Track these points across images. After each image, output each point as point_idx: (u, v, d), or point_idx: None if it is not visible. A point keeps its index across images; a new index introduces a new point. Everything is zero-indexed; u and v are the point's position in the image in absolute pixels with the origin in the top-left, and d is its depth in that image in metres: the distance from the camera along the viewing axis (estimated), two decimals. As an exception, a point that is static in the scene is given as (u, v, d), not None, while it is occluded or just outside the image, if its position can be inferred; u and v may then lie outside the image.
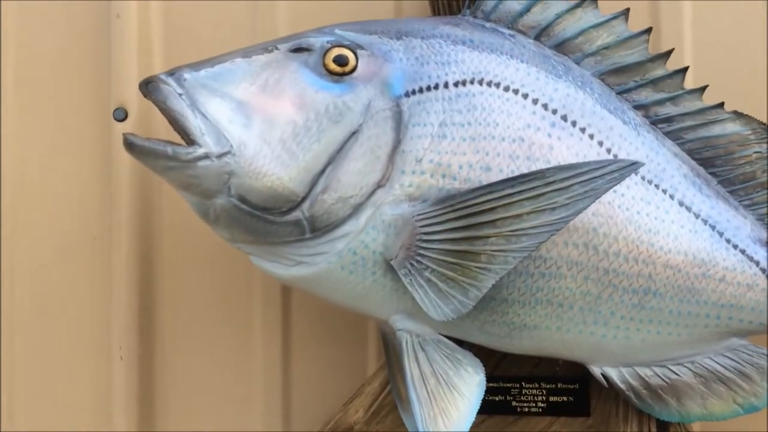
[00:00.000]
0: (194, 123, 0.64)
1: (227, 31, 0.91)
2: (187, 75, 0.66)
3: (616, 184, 0.63)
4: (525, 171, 0.68)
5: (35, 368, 0.90)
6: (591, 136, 0.71)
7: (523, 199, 0.63)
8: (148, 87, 0.66)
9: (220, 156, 0.64)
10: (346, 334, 0.89)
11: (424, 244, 0.66)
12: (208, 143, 0.64)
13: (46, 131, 0.91)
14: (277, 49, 0.69)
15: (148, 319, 0.90)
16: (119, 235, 0.89)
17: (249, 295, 0.90)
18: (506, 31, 0.73)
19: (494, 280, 0.65)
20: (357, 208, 0.67)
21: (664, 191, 0.72)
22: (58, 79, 0.91)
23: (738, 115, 0.75)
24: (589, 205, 0.63)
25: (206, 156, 0.64)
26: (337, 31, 0.70)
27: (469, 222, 0.65)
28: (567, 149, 0.70)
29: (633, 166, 0.62)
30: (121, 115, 0.89)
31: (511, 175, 0.67)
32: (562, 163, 0.69)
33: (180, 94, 0.65)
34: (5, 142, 0.91)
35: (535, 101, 0.70)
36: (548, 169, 0.63)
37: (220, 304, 0.90)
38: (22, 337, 0.90)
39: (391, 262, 0.67)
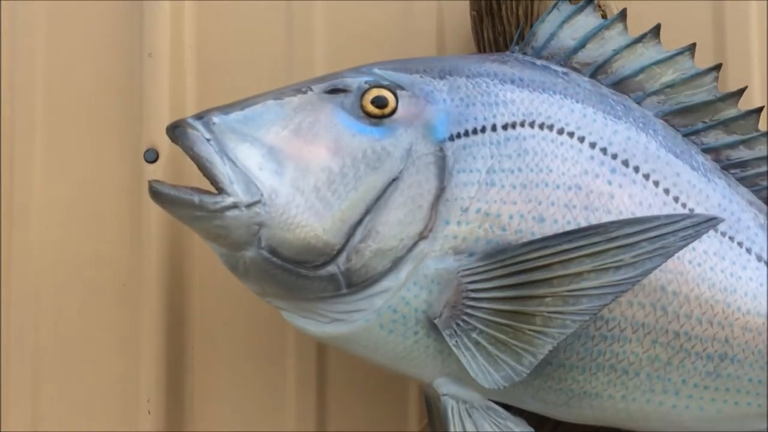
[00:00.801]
0: (222, 170, 0.60)
1: (262, 69, 0.87)
2: (216, 119, 0.62)
3: (690, 243, 0.56)
4: (582, 223, 0.62)
5: (60, 422, 0.86)
6: (656, 183, 0.65)
7: (582, 256, 0.57)
8: (176, 132, 0.62)
9: (249, 205, 0.60)
10: (386, 391, 0.83)
11: (471, 303, 0.60)
12: (236, 192, 0.60)
13: (74, 173, 0.88)
14: (311, 90, 0.64)
15: (177, 372, 0.85)
16: (149, 283, 0.85)
17: (283, 347, 0.85)
18: (559, 69, 0.68)
19: (551, 346, 0.59)
20: (397, 262, 0.61)
21: (740, 244, 0.65)
22: (88, 119, 0.88)
23: (820, 159, 0.68)
24: (659, 266, 0.56)
25: (235, 205, 0.60)
26: (376, 70, 0.66)
27: (521, 279, 0.59)
28: (629, 198, 0.63)
29: (711, 222, 0.56)
30: (152, 156, 0.86)
31: (566, 227, 0.61)
32: (624, 213, 0.63)
33: (208, 140, 0.61)
34: (33, 183, 0.88)
35: (592, 145, 0.64)
36: (612, 222, 0.57)
37: (252, 357, 0.85)
38: (47, 389, 0.86)
39: (435, 321, 0.62)
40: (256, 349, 0.86)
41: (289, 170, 0.61)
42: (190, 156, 0.62)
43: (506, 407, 0.66)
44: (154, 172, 0.85)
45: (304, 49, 0.87)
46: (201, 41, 0.89)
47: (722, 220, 0.58)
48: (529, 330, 0.59)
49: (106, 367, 0.86)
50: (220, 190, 0.61)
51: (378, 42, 0.86)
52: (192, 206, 0.60)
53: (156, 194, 0.62)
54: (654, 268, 0.57)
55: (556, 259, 0.58)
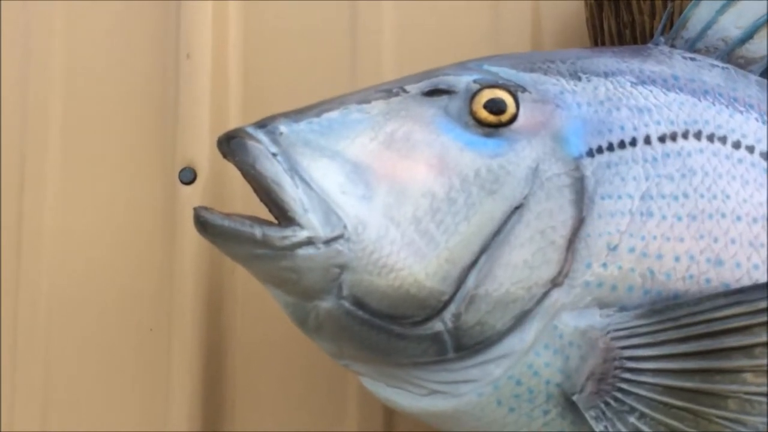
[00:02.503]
0: (294, 195, 0.46)
1: (321, 75, 0.73)
2: (283, 128, 0.48)
3: None
4: (774, 266, 0.47)
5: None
6: None
7: (797, 316, 0.42)
8: (231, 144, 0.48)
9: (329, 241, 0.46)
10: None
11: (627, 375, 0.45)
12: (312, 223, 0.46)
13: (95, 195, 0.74)
14: (404, 91, 0.50)
15: (216, 399, 0.70)
16: (182, 329, 0.70)
17: (342, 409, 0.70)
18: (720, 65, 0.53)
19: (751, 440, 0.43)
20: (522, 318, 0.47)
21: None
22: (112, 132, 0.74)
23: None
24: None
25: (310, 241, 0.45)
26: (487, 67, 0.51)
27: (705, 346, 0.43)
28: (836, 235, 0.48)
29: None
30: (188, 176, 0.72)
31: (753, 273, 0.46)
32: (829, 254, 0.47)
33: (274, 155, 0.47)
34: (45, 207, 0.74)
35: (780, 163, 0.49)
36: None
37: (306, 419, 0.70)
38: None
39: (574, 398, 0.47)
40: (311, 410, 0.71)
41: (381, 195, 0.46)
42: (252, 176, 0.47)
43: None
44: (191, 195, 0.71)
45: (370, 51, 0.73)
46: (248, 41, 0.75)
47: None
48: (718, 416, 0.43)
49: (130, 427, 0.71)
50: (290, 221, 0.46)
51: (458, 42, 0.72)
52: (253, 242, 0.46)
53: (204, 226, 0.47)
54: None
55: (758, 320, 0.42)
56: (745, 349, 0.43)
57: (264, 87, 0.76)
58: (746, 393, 0.43)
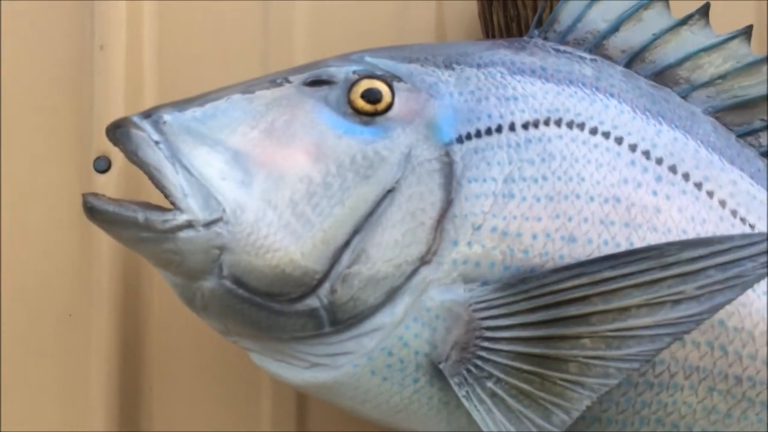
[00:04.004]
0: (174, 180, 0.48)
1: (233, 64, 0.75)
2: (167, 117, 0.50)
3: (775, 271, 0.45)
4: (623, 243, 0.50)
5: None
6: (710, 194, 0.53)
7: (630, 287, 0.46)
8: (117, 133, 0.50)
9: (208, 224, 0.48)
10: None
11: (486, 344, 0.49)
12: (191, 207, 0.48)
13: (13, 185, 0.75)
14: (288, 82, 0.53)
15: (131, 418, 0.73)
16: (99, 313, 0.72)
17: (257, 388, 0.72)
18: (588, 57, 0.56)
19: (590, 400, 0.47)
20: (393, 293, 0.50)
21: (814, 268, 0.54)
22: (29, 122, 0.75)
23: None
24: (732, 300, 0.45)
25: (190, 224, 0.48)
26: (367, 58, 0.54)
27: (551, 315, 0.47)
28: (679, 212, 0.52)
29: (804, 244, 0.45)
30: (103, 165, 0.74)
31: (603, 249, 0.50)
32: (673, 231, 0.51)
33: (157, 142, 0.49)
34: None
35: (632, 147, 0.53)
36: (668, 244, 0.46)
37: (222, 400, 0.73)
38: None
39: (440, 367, 0.50)
40: (227, 391, 0.73)
41: (259, 180, 0.49)
42: (135, 163, 0.50)
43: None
44: (106, 183, 0.73)
45: (282, 43, 0.75)
46: (162, 32, 0.76)
47: None
48: (562, 379, 0.47)
49: (48, 414, 0.73)
50: (174, 206, 0.49)
51: (366, 35, 0.75)
52: (136, 226, 0.48)
53: (92, 211, 0.50)
54: (726, 303, 0.45)
55: (596, 290, 0.46)
56: (584, 317, 0.47)
57: (178, 77, 0.77)
58: (585, 357, 0.47)
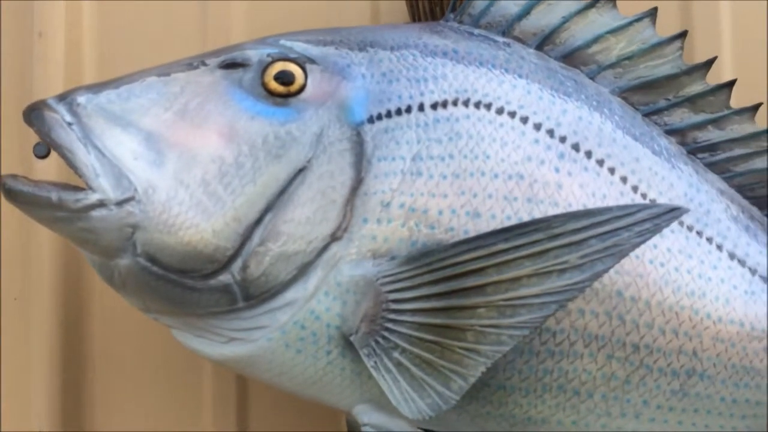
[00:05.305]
0: (86, 161, 0.50)
1: (173, 51, 0.75)
2: (81, 99, 0.52)
3: (649, 239, 0.47)
4: (525, 217, 0.52)
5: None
6: (611, 171, 0.55)
7: (521, 258, 0.48)
8: (32, 115, 0.52)
9: (120, 203, 0.50)
10: (316, 410, 0.73)
11: (392, 316, 0.50)
12: (103, 186, 0.50)
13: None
14: (204, 64, 0.54)
15: (74, 400, 0.74)
16: (40, 296, 0.73)
17: (198, 368, 0.73)
18: (500, 40, 0.58)
19: (485, 366, 0.49)
20: (305, 269, 0.52)
21: (710, 240, 0.56)
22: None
23: (802, 140, 0.59)
24: (611, 267, 0.47)
25: (102, 203, 0.50)
26: (283, 42, 0.56)
27: (450, 287, 0.49)
28: (580, 188, 0.54)
29: (672, 214, 0.47)
30: (42, 151, 0.71)
31: (506, 224, 0.52)
32: (574, 206, 0.53)
33: (69, 124, 0.51)
34: None
35: (537, 126, 0.55)
36: (555, 216, 0.48)
37: (162, 378, 0.74)
38: None
39: (351, 339, 0.52)
40: (168, 372, 0.74)
41: (171, 160, 0.51)
42: (50, 145, 0.52)
43: (442, 437, 0.56)
44: (46, 168, 0.73)
45: (220, 31, 0.76)
46: (102, 19, 0.77)
47: (686, 211, 0.49)
48: (460, 348, 0.49)
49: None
50: (87, 186, 0.50)
51: (304, 18, 0.76)
52: (50, 205, 0.50)
53: (9, 193, 0.51)
54: (605, 271, 0.47)
55: (491, 262, 0.48)
56: (481, 288, 0.48)
57: (117, 64, 0.78)
58: (480, 326, 0.49)
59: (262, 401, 0.74)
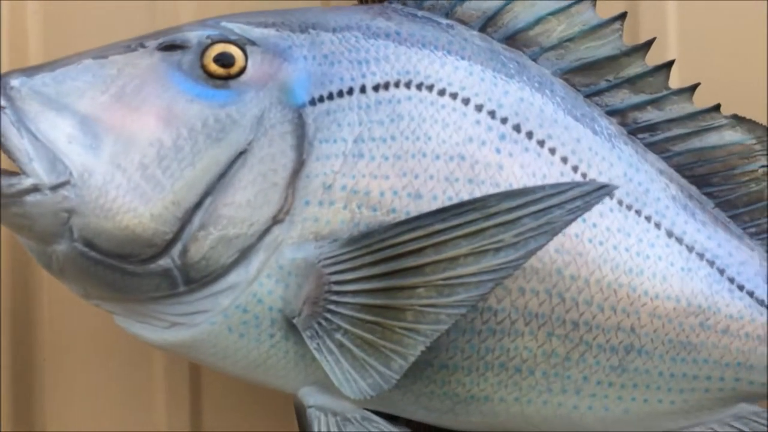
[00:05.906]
0: (19, 145, 0.49)
1: (120, 31, 0.75)
2: (15, 82, 0.51)
3: (579, 216, 0.47)
4: (466, 197, 0.52)
5: None
6: (552, 151, 0.56)
7: (458, 237, 0.48)
8: (-37, 101, 0.50)
9: (55, 188, 0.49)
10: (271, 399, 0.73)
11: (334, 298, 0.51)
12: (37, 171, 0.49)
13: None
14: (142, 47, 0.53)
15: (24, 389, 0.73)
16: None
17: (149, 352, 0.73)
18: (443, 21, 0.58)
19: (424, 345, 0.49)
20: (246, 252, 0.51)
21: (648, 219, 0.57)
22: None
23: (738, 120, 0.60)
24: (544, 245, 0.48)
25: (36, 188, 0.49)
26: (223, 24, 0.55)
27: (390, 268, 0.49)
28: (521, 168, 0.54)
29: (602, 191, 0.47)
30: None
31: (448, 204, 0.52)
32: (516, 186, 0.54)
33: (2, 108, 0.49)
34: None
35: (479, 108, 0.55)
36: (490, 196, 0.48)
37: (115, 366, 0.73)
38: None
39: (294, 321, 0.52)
40: (120, 357, 0.74)
41: (108, 144, 0.50)
42: None
43: (389, 417, 0.57)
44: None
45: (169, 9, 0.76)
46: (47, 14, 0.75)
47: (616, 188, 0.50)
48: (400, 328, 0.49)
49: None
50: (21, 171, 0.50)
51: (254, 4, 0.76)
52: (-19, 190, 0.49)
53: (-60, 178, 0.50)
54: (538, 249, 0.48)
55: (429, 242, 0.48)
56: (419, 268, 0.49)
57: (63, 48, 0.77)
58: (420, 306, 0.49)
59: (216, 398, 0.75)
